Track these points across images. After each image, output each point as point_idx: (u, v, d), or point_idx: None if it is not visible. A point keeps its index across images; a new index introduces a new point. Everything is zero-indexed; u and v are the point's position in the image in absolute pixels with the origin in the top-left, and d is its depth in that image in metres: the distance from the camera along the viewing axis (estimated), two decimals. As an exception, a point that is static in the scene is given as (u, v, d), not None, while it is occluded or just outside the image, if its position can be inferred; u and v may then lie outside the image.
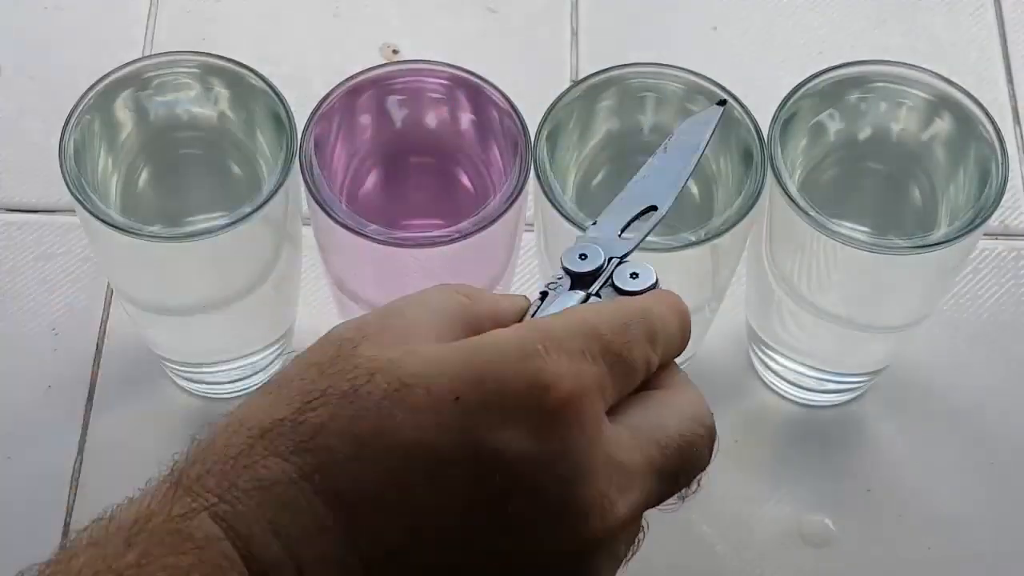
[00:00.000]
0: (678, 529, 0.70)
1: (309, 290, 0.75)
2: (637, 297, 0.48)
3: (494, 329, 0.45)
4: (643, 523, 0.46)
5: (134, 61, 0.64)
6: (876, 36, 0.85)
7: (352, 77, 0.63)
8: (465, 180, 0.65)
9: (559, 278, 0.49)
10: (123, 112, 0.64)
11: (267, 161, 0.64)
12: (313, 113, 0.62)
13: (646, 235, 0.50)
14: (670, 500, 0.46)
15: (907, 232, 0.64)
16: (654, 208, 0.51)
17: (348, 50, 0.84)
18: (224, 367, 0.71)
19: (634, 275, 0.48)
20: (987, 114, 0.63)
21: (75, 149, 0.62)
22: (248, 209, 0.60)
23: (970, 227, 0.61)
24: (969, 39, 0.85)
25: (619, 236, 0.50)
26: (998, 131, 0.63)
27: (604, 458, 0.43)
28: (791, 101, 0.63)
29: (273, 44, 0.84)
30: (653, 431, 0.45)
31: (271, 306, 0.68)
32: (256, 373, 0.72)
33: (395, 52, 0.83)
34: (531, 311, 0.48)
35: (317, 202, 0.60)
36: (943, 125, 0.64)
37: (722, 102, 0.58)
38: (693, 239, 0.60)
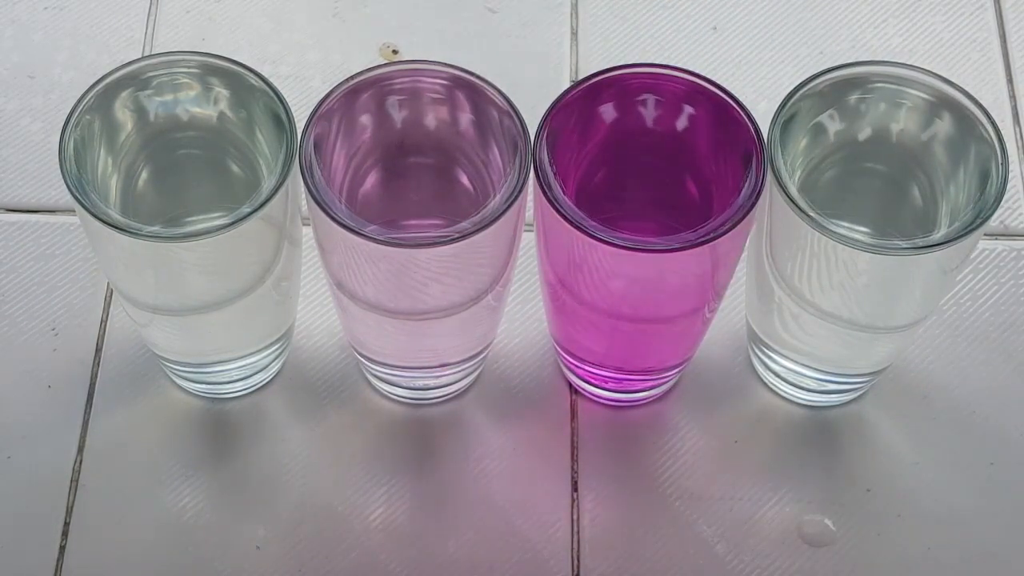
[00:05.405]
0: (678, 529, 0.70)
1: (309, 290, 0.76)
2: None
3: None
4: None
5: (134, 61, 0.64)
6: (876, 36, 0.85)
7: (352, 77, 0.63)
8: (465, 180, 0.65)
9: None
10: (123, 112, 0.64)
11: (267, 161, 0.64)
12: (313, 113, 0.62)
13: None
14: None
15: (907, 233, 0.64)
16: None
17: (348, 50, 0.84)
18: (224, 367, 0.71)
19: None
20: (987, 114, 0.63)
21: (75, 149, 0.62)
22: (248, 209, 0.60)
23: (970, 227, 0.61)
24: (969, 39, 0.85)
25: None
26: (998, 131, 0.63)
27: None
28: (791, 102, 0.63)
29: (273, 44, 0.84)
30: None
31: (271, 306, 0.68)
32: (256, 373, 0.72)
33: (395, 52, 0.83)
34: None
35: (317, 202, 0.60)
36: (943, 125, 0.64)
37: None
38: (693, 239, 0.60)
